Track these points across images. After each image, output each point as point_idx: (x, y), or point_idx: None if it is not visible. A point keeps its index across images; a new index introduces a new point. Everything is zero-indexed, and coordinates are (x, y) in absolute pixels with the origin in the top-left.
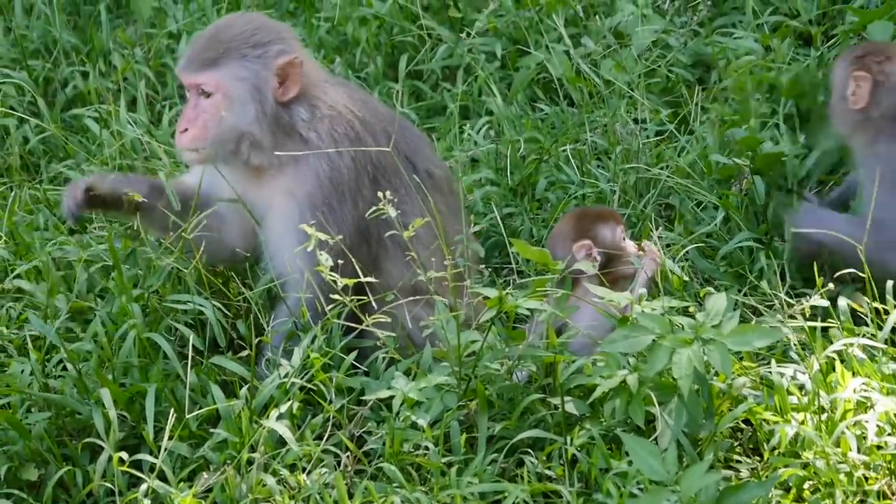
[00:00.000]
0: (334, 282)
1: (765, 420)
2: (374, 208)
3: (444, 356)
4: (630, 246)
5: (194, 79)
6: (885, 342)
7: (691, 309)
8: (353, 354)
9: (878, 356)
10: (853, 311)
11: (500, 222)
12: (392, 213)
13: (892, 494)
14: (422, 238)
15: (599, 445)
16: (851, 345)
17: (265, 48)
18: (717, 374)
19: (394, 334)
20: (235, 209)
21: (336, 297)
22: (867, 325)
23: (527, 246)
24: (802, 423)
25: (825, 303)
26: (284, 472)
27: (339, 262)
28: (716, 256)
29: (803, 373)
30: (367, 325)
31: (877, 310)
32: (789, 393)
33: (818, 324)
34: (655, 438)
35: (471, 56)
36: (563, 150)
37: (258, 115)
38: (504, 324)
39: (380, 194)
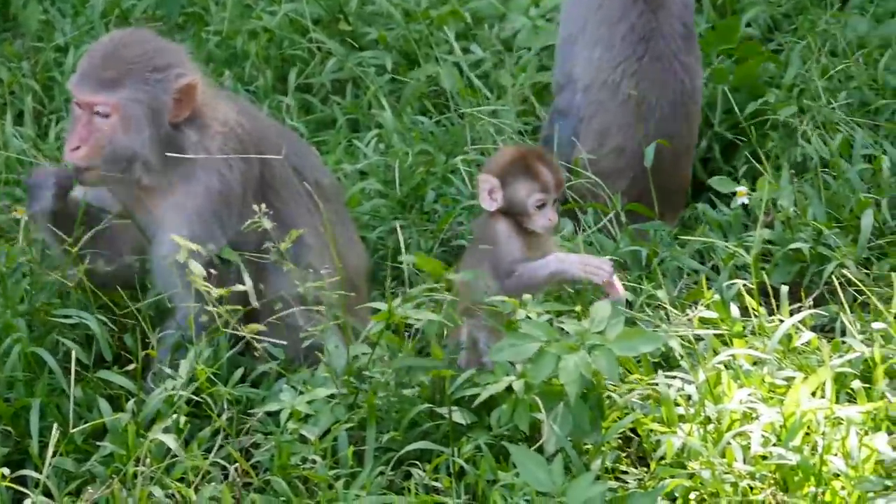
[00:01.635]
0: (208, 292)
1: (651, 430)
2: (250, 221)
3: (330, 371)
4: (546, 218)
5: (91, 98)
6: (776, 351)
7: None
8: (241, 368)
9: (764, 366)
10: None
11: (389, 234)
12: (267, 225)
13: None
14: (312, 247)
15: (487, 457)
16: (737, 356)
17: (166, 72)
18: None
19: (284, 343)
20: (126, 226)
21: (226, 308)
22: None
23: (424, 256)
24: (689, 433)
25: (713, 314)
26: (172, 485)
27: (226, 274)
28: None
29: (690, 383)
30: (250, 336)
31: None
32: (676, 404)
33: (706, 331)
34: (541, 446)
35: (360, 69)
36: (453, 162)
37: (153, 137)
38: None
39: (255, 207)
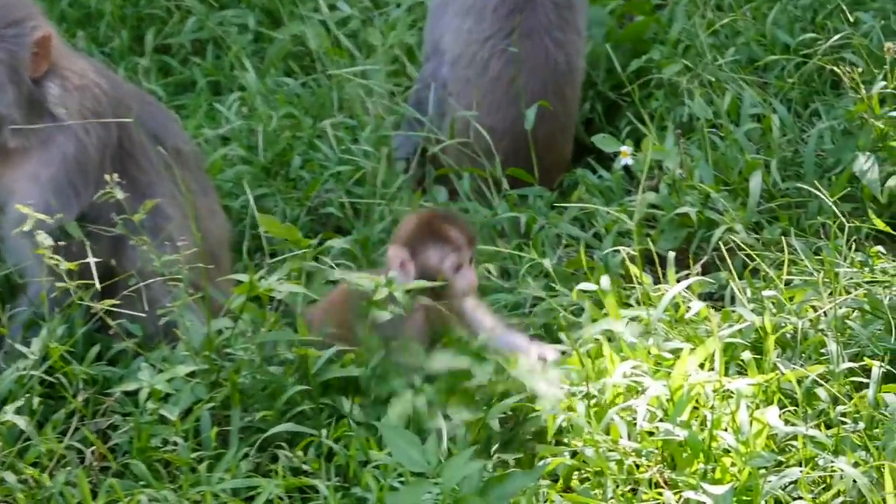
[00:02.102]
0: (57, 265)
1: (532, 408)
2: (102, 191)
3: (189, 348)
4: (465, 280)
5: None
6: (662, 321)
7: None
8: (96, 346)
9: (650, 337)
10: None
11: (250, 202)
12: (119, 195)
13: (665, 483)
14: (172, 218)
15: (357, 437)
16: (619, 327)
17: (20, 26)
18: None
19: (143, 315)
20: None
21: (79, 283)
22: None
23: (274, 221)
24: (570, 409)
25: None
26: (25, 470)
27: (82, 246)
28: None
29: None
30: (102, 311)
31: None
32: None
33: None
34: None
35: (222, 28)
36: (320, 126)
37: (16, 97)
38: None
39: (107, 177)
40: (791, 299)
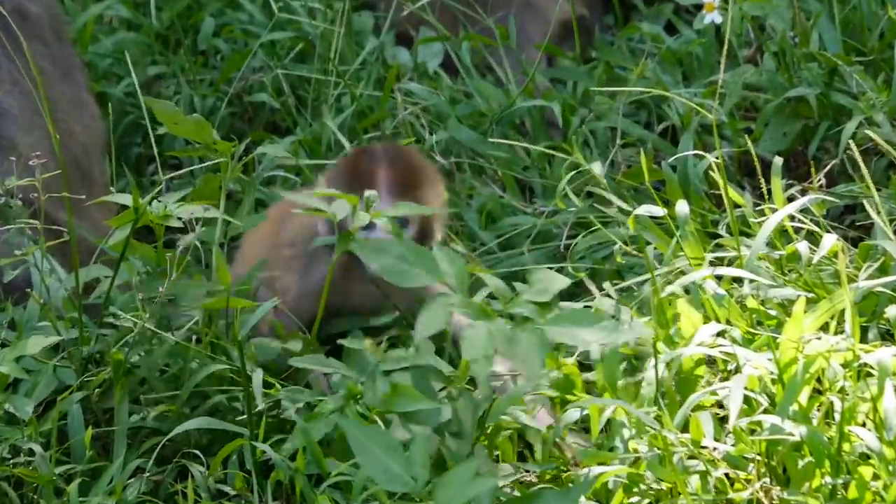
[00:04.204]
0: None
1: (567, 399)
2: None
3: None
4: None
5: None
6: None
7: None
8: None
9: (747, 285)
10: None
11: (136, 87)
12: None
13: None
14: (17, 117)
15: (308, 440)
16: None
17: None
18: None
19: None
20: None
21: None
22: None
23: (175, 113)
24: (626, 395)
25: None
26: None
27: None
28: None
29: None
30: None
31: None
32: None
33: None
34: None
35: None
36: None
37: None
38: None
39: None
40: None
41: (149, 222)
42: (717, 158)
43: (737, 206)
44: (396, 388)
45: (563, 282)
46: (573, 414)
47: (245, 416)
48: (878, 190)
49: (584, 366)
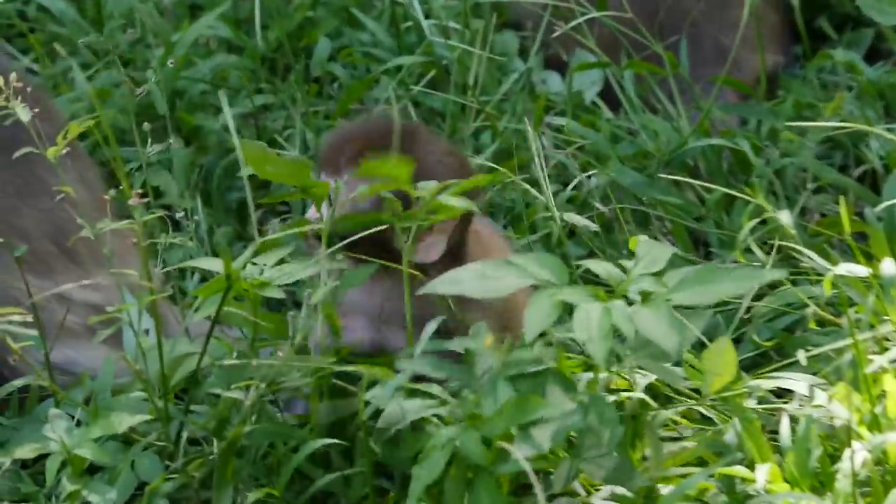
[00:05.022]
0: None
1: (742, 478)
2: None
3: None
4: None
5: None
6: None
7: None
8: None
9: None
10: None
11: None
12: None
13: None
14: None
15: None
16: None
17: None
18: None
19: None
20: None
21: None
22: None
23: (263, 151)
24: (827, 488)
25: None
26: None
27: None
28: None
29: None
30: None
31: None
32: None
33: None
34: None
35: None
36: None
37: None
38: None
39: None
40: None
41: (242, 292)
42: None
43: None
44: (525, 400)
45: (667, 251)
46: None
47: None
48: None
49: None
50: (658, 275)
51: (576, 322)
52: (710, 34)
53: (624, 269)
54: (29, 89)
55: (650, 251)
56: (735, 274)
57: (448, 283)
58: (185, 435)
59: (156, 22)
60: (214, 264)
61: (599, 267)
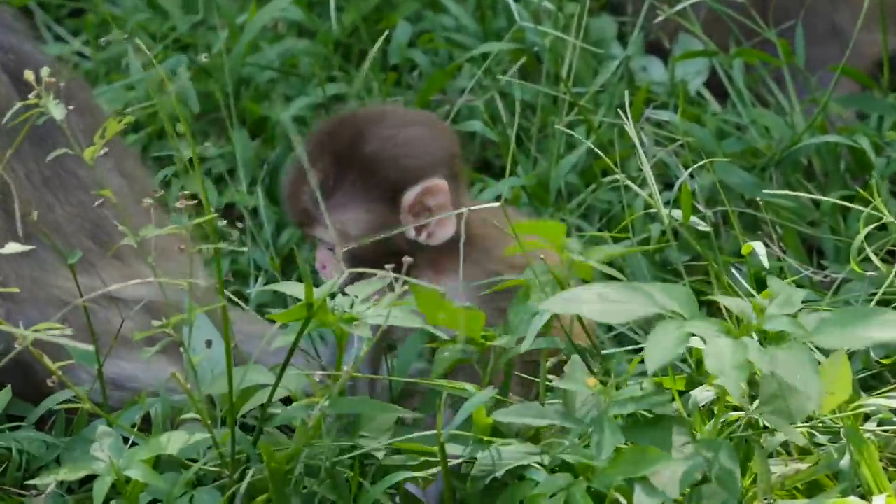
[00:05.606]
0: None
1: None
2: None
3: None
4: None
5: None
6: None
7: None
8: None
9: None
10: None
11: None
12: None
13: None
14: None
15: None
16: None
17: None
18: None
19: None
20: None
21: None
22: None
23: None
24: None
25: None
26: None
27: None
28: None
29: None
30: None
31: None
32: None
33: None
34: None
35: None
36: None
37: None
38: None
39: None
40: None
41: (325, 325)
42: None
43: None
44: (643, 450)
45: (801, 293)
46: None
47: None
48: None
49: None
50: (793, 316)
51: (707, 354)
52: (824, 12)
53: (758, 308)
54: (62, 84)
55: (783, 289)
56: (882, 318)
57: (567, 303)
58: (250, 472)
59: (220, 3)
60: (296, 290)
61: (732, 303)
